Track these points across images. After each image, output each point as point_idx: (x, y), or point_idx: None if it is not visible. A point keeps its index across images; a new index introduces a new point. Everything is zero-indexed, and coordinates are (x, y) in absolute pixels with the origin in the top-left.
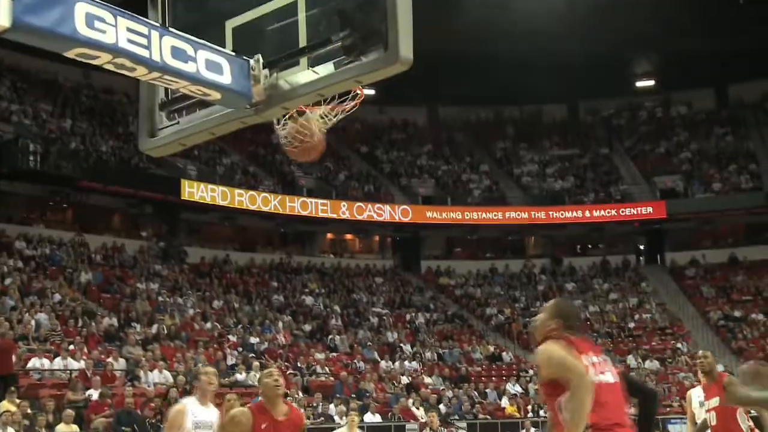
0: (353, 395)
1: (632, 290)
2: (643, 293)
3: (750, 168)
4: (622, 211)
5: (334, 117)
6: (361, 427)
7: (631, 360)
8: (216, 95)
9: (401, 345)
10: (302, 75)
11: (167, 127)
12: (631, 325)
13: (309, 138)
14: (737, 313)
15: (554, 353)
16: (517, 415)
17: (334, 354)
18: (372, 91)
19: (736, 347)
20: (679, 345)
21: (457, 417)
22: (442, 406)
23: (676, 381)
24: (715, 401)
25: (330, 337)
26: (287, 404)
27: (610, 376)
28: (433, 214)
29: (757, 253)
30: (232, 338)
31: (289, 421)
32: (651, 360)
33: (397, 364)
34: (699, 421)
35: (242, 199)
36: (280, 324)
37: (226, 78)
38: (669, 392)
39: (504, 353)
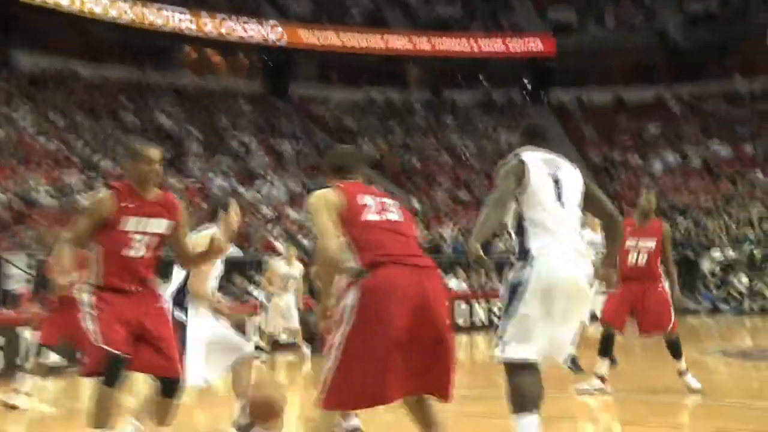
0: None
1: (514, 129)
2: None
3: (646, 4)
4: (511, 45)
5: None
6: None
7: None
8: None
9: (265, 175)
10: None
11: None
12: None
13: (271, 405)
14: (617, 157)
15: (312, 209)
16: None
17: (191, 181)
18: None
19: (613, 191)
20: None
21: None
22: (305, 241)
23: None
24: (650, 243)
25: (188, 163)
26: (164, 190)
27: (393, 215)
28: (308, 36)
29: (642, 95)
30: (75, 158)
31: (162, 204)
32: None
33: (259, 194)
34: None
35: (90, 2)
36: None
37: None
38: None
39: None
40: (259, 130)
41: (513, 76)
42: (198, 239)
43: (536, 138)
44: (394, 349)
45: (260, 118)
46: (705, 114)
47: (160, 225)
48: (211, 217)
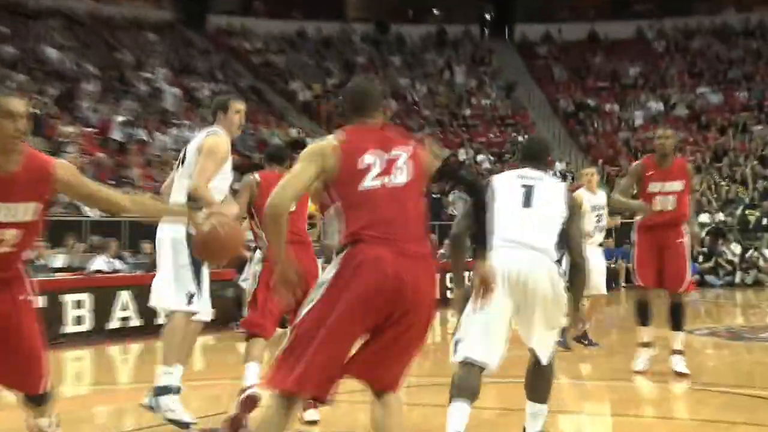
0: (111, 181)
1: (472, 69)
2: (485, 73)
3: None
4: None
5: None
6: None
7: (462, 154)
8: None
9: (178, 120)
10: None
11: None
12: (467, 111)
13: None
14: (591, 102)
15: (300, 156)
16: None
17: (88, 128)
18: None
19: (585, 142)
20: (520, 137)
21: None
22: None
23: None
24: (677, 185)
25: (83, 105)
26: (29, 154)
27: (399, 177)
28: None
29: (620, 30)
30: None
31: (25, 178)
32: (485, 154)
33: (169, 143)
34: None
35: None
36: (12, 84)
37: None
38: None
39: (309, 139)
40: (170, 67)
41: (471, 7)
42: (206, 142)
43: (533, 160)
44: (346, 335)
45: (171, 52)
46: (692, 53)
47: (25, 211)
48: (213, 120)
